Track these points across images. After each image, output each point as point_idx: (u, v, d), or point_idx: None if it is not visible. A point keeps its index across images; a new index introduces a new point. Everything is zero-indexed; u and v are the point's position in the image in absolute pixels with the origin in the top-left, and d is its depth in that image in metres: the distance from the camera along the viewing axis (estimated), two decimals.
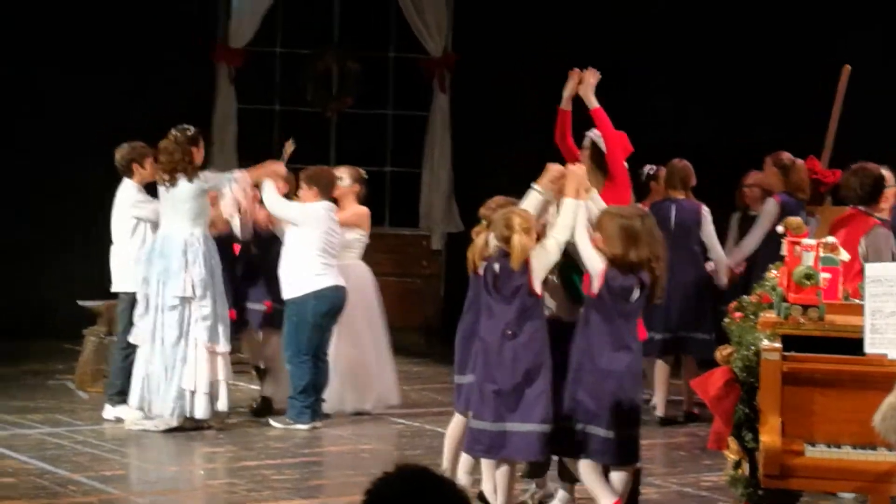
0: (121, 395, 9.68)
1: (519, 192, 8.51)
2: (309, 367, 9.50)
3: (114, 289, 9.98)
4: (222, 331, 9.42)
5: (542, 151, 10.64)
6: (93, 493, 7.92)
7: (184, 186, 9.43)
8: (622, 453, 6.67)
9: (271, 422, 9.69)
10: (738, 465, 5.19)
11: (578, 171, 7.13)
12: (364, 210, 10.31)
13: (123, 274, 9.81)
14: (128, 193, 9.90)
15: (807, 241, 5.67)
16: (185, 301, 9.32)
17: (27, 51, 13.45)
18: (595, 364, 6.63)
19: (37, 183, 13.21)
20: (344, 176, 10.21)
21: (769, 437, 5.04)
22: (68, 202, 13.10)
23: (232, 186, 9.53)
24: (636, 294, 6.66)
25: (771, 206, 10.01)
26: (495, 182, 11.63)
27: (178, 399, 9.30)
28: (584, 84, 7.73)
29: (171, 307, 9.34)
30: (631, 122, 12.43)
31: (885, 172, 8.65)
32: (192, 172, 9.43)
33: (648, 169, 10.84)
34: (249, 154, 14.58)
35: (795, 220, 5.92)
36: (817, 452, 5.05)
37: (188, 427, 9.35)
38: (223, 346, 9.42)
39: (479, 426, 6.86)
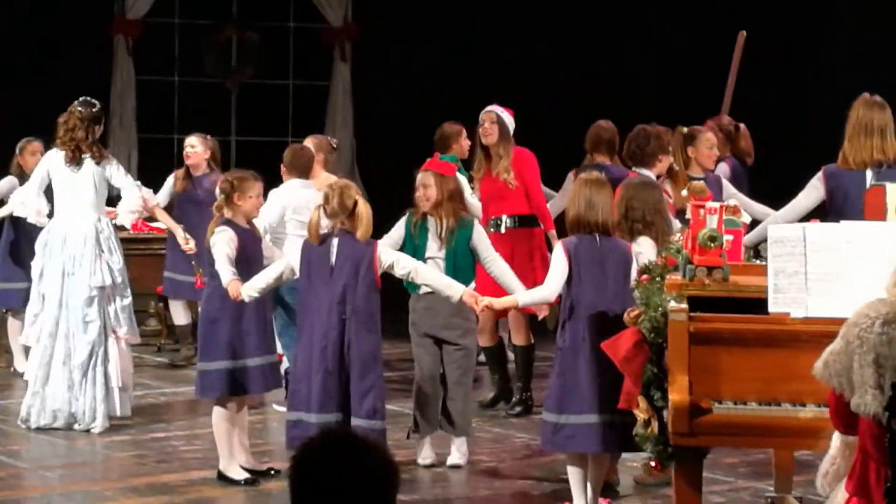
0: None
1: (421, 159, 8.61)
2: None
3: None
4: (134, 320, 8.96)
5: (441, 120, 10.76)
6: (0, 467, 7.89)
7: (89, 169, 8.75)
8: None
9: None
10: (647, 423, 5.30)
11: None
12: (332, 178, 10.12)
13: None
14: None
15: (710, 203, 5.79)
16: (102, 292, 8.72)
17: None
18: None
19: None
20: (310, 146, 10.00)
21: (677, 395, 5.15)
22: None
23: (135, 195, 8.96)
24: None
25: (725, 170, 9.98)
26: (397, 151, 11.73)
27: (104, 400, 8.69)
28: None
29: (87, 299, 8.68)
30: (536, 91, 12.59)
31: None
32: (98, 154, 8.76)
33: None
34: (149, 126, 14.55)
35: (699, 184, 6.05)
36: (724, 409, 5.16)
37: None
38: (137, 336, 9.05)
39: None
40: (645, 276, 5.94)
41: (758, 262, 6.07)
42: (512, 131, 9.43)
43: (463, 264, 7.79)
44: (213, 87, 14.76)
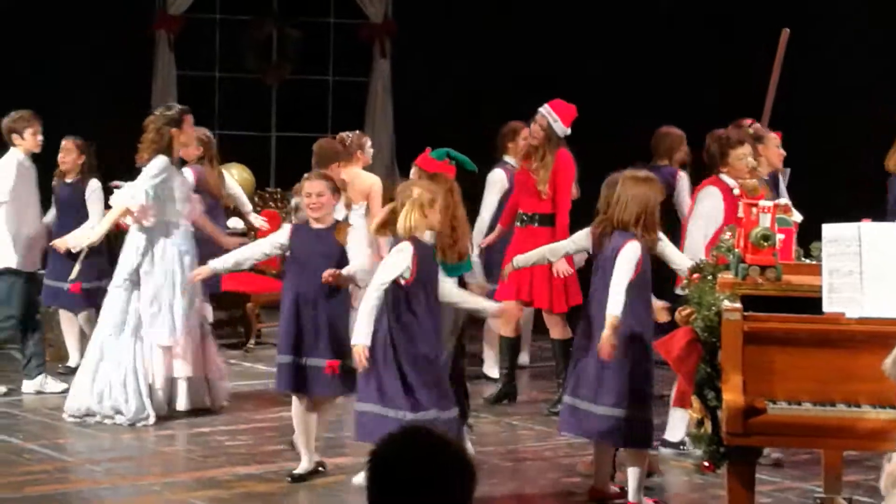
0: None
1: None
2: None
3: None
4: (167, 323, 8.90)
5: (481, 116, 10.75)
6: (48, 460, 7.93)
7: (154, 162, 8.93)
8: None
9: None
10: (700, 423, 5.28)
11: None
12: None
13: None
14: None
15: (764, 202, 5.76)
16: (129, 286, 8.92)
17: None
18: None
19: None
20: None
21: (732, 395, 5.12)
22: None
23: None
24: None
25: None
26: (437, 147, 11.73)
27: (149, 394, 8.86)
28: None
29: (116, 291, 8.95)
30: (573, 89, 12.54)
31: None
32: (146, 158, 8.91)
33: None
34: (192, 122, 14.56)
35: (751, 182, 6.02)
36: (778, 410, 5.13)
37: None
38: (166, 340, 8.91)
39: None
40: (696, 275, 5.91)
41: (807, 261, 6.06)
42: (563, 133, 9.43)
43: None
44: (254, 83, 14.79)
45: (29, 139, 9.54)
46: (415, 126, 14.44)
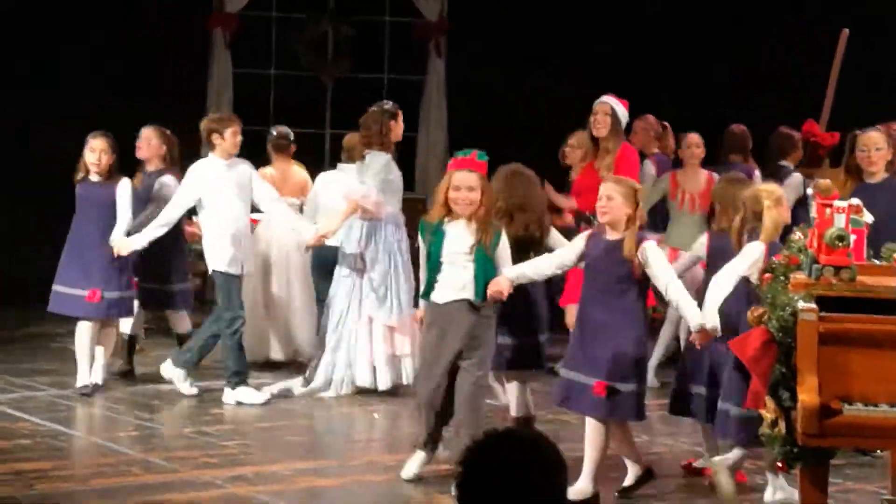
0: (237, 376, 9.33)
1: (513, 155, 8.60)
2: None
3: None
4: (394, 305, 9.59)
5: (536, 114, 10.71)
6: (110, 454, 7.95)
7: (375, 158, 9.61)
8: None
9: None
10: (774, 423, 5.26)
11: None
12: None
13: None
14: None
15: (838, 203, 5.72)
16: (354, 275, 9.62)
17: (17, 18, 13.32)
18: None
19: (25, 152, 13.00)
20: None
21: (808, 396, 5.10)
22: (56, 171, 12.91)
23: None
24: None
25: (649, 167, 10.39)
26: (491, 146, 11.72)
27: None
28: None
29: (341, 277, 9.71)
30: (634, 92, 12.50)
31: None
32: (386, 146, 9.63)
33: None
34: (246, 119, 14.59)
35: (825, 182, 5.99)
36: (854, 411, 5.11)
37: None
38: (394, 320, 9.57)
39: None
40: (768, 276, 5.88)
41: (877, 262, 6.03)
42: (624, 124, 9.40)
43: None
44: (309, 81, 14.83)
45: (228, 139, 9.45)
46: (468, 125, 14.45)
